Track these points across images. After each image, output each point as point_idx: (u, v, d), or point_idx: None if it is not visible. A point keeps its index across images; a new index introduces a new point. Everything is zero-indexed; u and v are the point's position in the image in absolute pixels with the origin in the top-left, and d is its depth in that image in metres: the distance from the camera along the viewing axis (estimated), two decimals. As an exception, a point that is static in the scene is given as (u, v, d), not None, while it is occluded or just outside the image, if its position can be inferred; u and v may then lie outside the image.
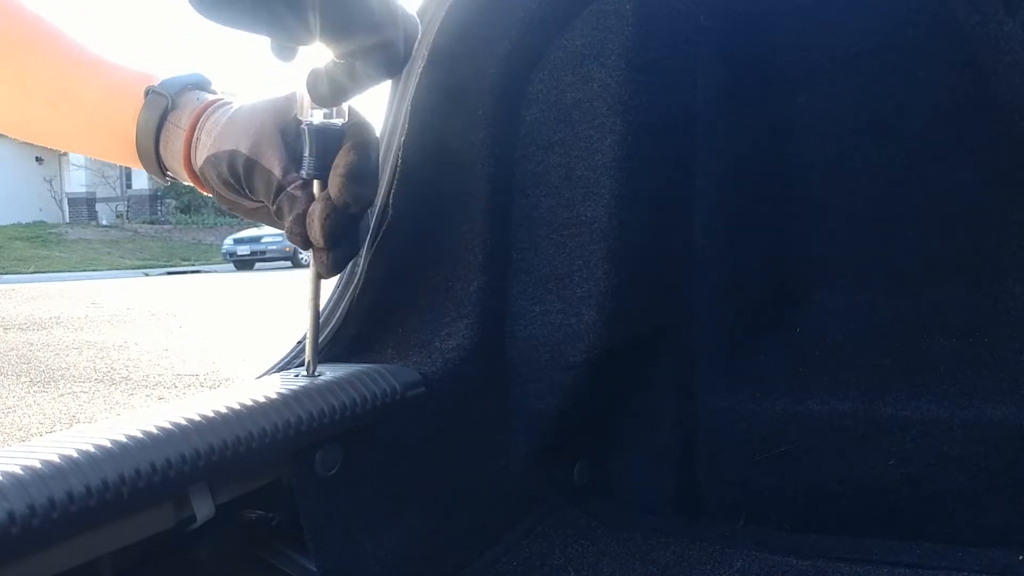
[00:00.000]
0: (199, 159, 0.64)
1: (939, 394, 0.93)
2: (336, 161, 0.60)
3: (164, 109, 0.66)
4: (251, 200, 0.64)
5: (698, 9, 0.99)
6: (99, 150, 0.71)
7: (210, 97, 0.67)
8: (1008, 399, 0.89)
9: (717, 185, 1.04)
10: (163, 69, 0.69)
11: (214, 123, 0.64)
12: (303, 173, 0.61)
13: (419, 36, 0.56)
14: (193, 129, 0.65)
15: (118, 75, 0.68)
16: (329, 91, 0.56)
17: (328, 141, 0.60)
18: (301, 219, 0.61)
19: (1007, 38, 0.73)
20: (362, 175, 0.60)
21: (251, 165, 0.61)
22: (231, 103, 0.66)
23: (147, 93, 0.66)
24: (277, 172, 0.61)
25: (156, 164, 0.67)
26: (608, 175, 0.87)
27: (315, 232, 0.61)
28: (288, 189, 0.61)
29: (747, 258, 1.07)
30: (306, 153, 0.60)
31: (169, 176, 0.69)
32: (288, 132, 0.62)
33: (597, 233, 0.87)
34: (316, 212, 0.60)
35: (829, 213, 1.09)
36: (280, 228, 0.64)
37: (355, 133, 0.61)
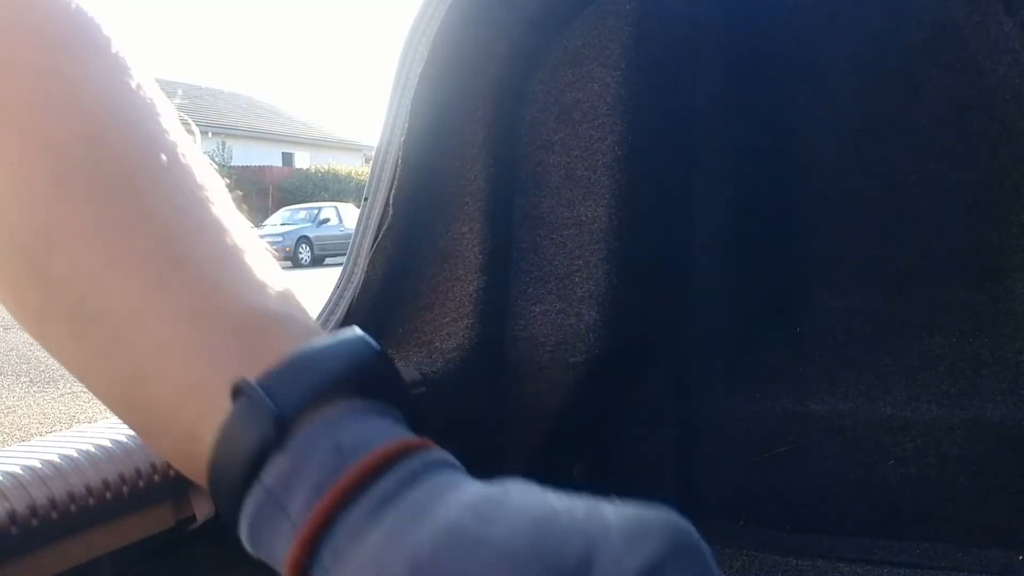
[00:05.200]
0: None
1: (939, 394, 0.93)
2: None
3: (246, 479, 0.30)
4: None
5: (698, 9, 0.99)
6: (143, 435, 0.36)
7: (361, 456, 0.28)
8: (1008, 399, 0.89)
9: (717, 185, 1.04)
10: (289, 303, 0.32)
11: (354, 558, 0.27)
12: None
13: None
14: (312, 542, 0.28)
15: (208, 323, 0.31)
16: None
17: None
18: None
19: (1007, 38, 0.74)
20: None
21: None
22: (386, 508, 0.27)
23: (235, 394, 0.30)
24: None
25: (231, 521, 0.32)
26: (608, 175, 0.87)
27: None
28: None
29: (747, 258, 1.07)
30: None
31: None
32: None
33: (597, 233, 0.87)
34: None
35: (829, 213, 1.09)
36: None
37: None
